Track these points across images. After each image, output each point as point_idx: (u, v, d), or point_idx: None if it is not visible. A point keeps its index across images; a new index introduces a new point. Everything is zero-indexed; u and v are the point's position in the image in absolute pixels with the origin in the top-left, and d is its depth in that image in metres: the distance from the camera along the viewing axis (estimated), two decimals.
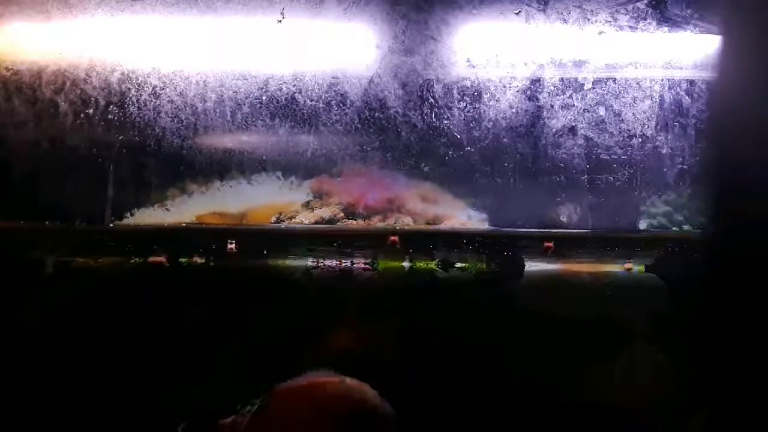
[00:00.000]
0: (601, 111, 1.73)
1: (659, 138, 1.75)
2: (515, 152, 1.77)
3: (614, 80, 1.74)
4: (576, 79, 1.74)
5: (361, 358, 1.84)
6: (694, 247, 1.90)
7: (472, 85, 1.74)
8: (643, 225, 1.88)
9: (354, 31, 1.76)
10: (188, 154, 1.79)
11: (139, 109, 1.73)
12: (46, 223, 1.77)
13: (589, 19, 1.71)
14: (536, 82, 1.73)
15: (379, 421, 1.41)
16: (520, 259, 2.03)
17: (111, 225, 1.83)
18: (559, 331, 1.96)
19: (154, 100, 1.73)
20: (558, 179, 1.79)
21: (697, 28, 1.71)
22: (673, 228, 1.88)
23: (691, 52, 1.74)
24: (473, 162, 1.77)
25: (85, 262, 1.94)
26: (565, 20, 1.71)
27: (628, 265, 1.93)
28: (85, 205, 1.80)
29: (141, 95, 1.73)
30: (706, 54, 1.72)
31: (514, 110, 1.74)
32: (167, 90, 1.73)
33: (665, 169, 1.80)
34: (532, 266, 2.04)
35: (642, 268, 2.11)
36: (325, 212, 1.88)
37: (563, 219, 1.86)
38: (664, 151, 1.77)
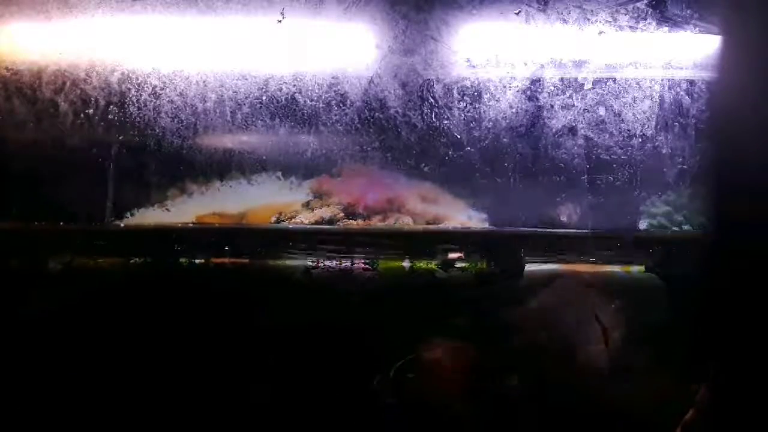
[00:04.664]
0: (601, 111, 1.73)
1: (659, 138, 1.75)
2: (515, 152, 1.77)
3: (614, 80, 1.74)
4: (576, 79, 1.74)
5: None
6: (694, 247, 1.90)
7: (472, 85, 1.74)
8: (643, 225, 1.88)
9: (354, 31, 1.76)
10: (188, 154, 1.79)
11: (139, 109, 1.73)
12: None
13: (589, 19, 1.71)
14: (536, 82, 1.73)
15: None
16: (520, 259, 2.03)
17: (121, 225, 1.83)
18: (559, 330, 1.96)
19: (154, 100, 1.73)
20: (558, 179, 1.79)
21: (697, 28, 1.71)
22: (673, 228, 1.88)
23: (691, 52, 1.74)
24: (473, 162, 1.77)
25: (93, 263, 1.95)
26: (565, 20, 1.71)
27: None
28: (85, 205, 1.80)
29: (141, 95, 1.73)
30: (706, 54, 1.72)
31: (514, 110, 1.74)
32: (167, 90, 1.73)
33: (665, 169, 1.80)
34: (532, 266, 2.04)
35: (642, 268, 2.12)
36: (325, 212, 1.88)
37: (563, 219, 1.86)
38: (664, 151, 1.77)
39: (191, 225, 1.83)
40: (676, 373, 1.82)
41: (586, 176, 1.78)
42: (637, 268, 2.12)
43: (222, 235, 1.91)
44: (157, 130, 1.75)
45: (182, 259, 2.07)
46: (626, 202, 1.84)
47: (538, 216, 1.85)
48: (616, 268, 2.15)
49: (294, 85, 1.74)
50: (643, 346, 1.92)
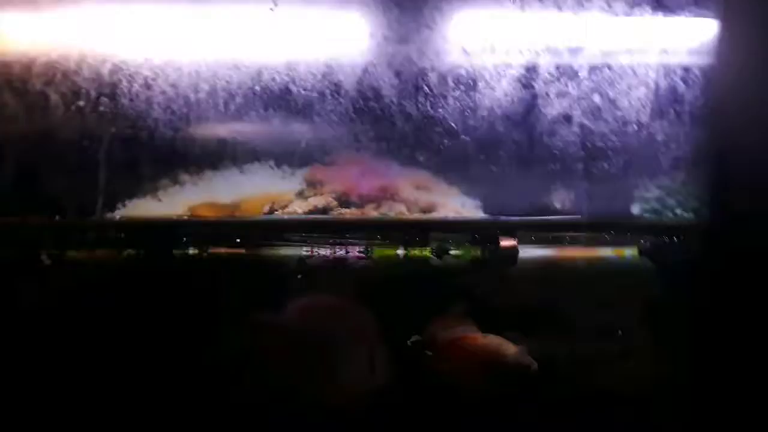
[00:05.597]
0: (597, 98, 1.73)
1: (654, 124, 1.75)
2: (510, 140, 1.77)
3: (610, 67, 1.73)
4: (571, 66, 1.73)
5: None
6: (689, 233, 1.92)
7: (467, 73, 1.73)
8: (636, 210, 1.88)
9: (348, 20, 1.74)
10: (180, 144, 1.78)
11: (131, 100, 1.71)
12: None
13: (584, 6, 1.70)
14: (531, 69, 1.73)
15: (519, 372, 1.71)
16: (513, 246, 2.04)
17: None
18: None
19: (145, 91, 1.71)
20: (552, 166, 1.79)
21: (694, 14, 1.71)
22: (666, 212, 1.88)
23: (687, 38, 1.74)
24: (468, 150, 1.77)
25: (86, 255, 1.93)
26: (560, 7, 1.70)
27: None
28: (76, 196, 1.78)
29: (133, 86, 1.70)
30: (702, 40, 1.72)
31: (509, 98, 1.73)
32: (159, 80, 1.71)
33: (659, 155, 1.80)
34: (525, 253, 2.05)
35: (636, 252, 2.13)
36: (318, 201, 1.87)
37: (557, 205, 1.86)
38: (659, 138, 1.77)
39: (186, 218, 1.81)
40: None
41: (581, 163, 1.78)
42: (630, 252, 2.14)
43: (217, 227, 1.90)
44: (149, 121, 1.73)
45: (176, 251, 2.06)
46: (620, 187, 1.84)
47: (532, 202, 1.85)
48: (609, 252, 2.17)
49: (287, 75, 1.73)
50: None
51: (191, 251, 2.08)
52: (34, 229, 1.83)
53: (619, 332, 1.95)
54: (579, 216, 1.74)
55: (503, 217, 1.82)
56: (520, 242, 2.00)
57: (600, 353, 1.97)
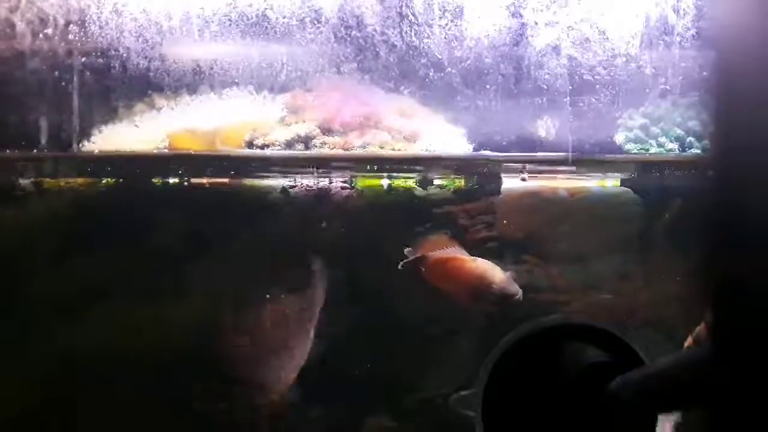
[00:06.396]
0: (586, 28, 1.67)
1: (643, 56, 1.71)
2: (497, 71, 1.71)
3: None
4: None
5: None
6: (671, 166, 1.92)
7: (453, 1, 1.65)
8: (620, 138, 1.87)
9: None
10: (155, 71, 1.71)
11: (100, 27, 1.63)
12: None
13: None
14: None
15: (504, 298, 1.75)
16: (497, 177, 2.03)
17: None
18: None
19: (115, 18, 1.62)
20: (540, 100, 1.75)
21: None
22: (650, 140, 1.87)
23: None
24: (454, 82, 1.72)
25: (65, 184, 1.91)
26: None
27: None
28: (51, 124, 1.73)
29: (102, 12, 1.62)
30: None
31: (496, 28, 1.67)
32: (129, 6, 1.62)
33: (645, 84, 1.77)
34: (509, 183, 2.05)
35: (617, 182, 2.14)
36: (300, 129, 1.82)
37: (542, 134, 1.83)
38: (647, 68, 1.73)
39: (165, 152, 1.77)
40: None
41: (567, 94, 1.74)
42: (612, 183, 2.15)
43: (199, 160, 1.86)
44: (121, 50, 1.66)
45: (155, 180, 2.04)
46: (604, 117, 1.82)
47: (517, 131, 1.82)
48: (592, 184, 2.17)
49: (266, 0, 1.65)
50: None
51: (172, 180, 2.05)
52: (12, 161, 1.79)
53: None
54: (564, 153, 1.72)
55: (489, 153, 1.79)
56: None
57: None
